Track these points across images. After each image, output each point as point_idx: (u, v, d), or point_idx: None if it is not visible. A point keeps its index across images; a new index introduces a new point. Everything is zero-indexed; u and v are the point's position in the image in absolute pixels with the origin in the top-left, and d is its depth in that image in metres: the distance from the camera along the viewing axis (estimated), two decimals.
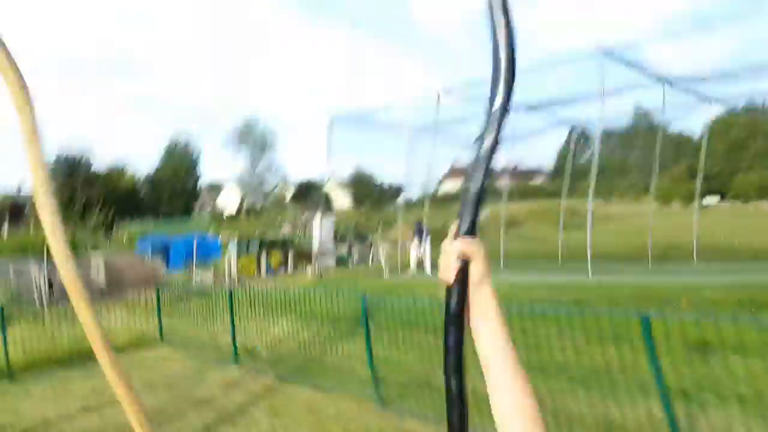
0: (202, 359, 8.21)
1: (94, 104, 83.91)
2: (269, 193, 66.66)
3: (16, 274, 14.55)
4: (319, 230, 19.99)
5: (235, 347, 7.84)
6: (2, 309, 8.04)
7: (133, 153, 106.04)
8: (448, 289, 0.77)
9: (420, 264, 16.53)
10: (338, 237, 21.84)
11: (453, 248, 0.76)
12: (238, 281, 16.21)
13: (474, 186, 0.76)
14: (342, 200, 53.47)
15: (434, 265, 16.66)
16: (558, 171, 43.59)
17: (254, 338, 8.08)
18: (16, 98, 3.18)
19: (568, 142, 44.38)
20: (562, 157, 45.56)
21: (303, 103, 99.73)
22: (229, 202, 70.56)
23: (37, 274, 14.57)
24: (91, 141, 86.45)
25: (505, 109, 0.79)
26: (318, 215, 21.46)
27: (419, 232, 16.65)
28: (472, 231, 0.76)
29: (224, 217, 50.41)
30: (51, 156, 45.89)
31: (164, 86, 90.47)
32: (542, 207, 31.69)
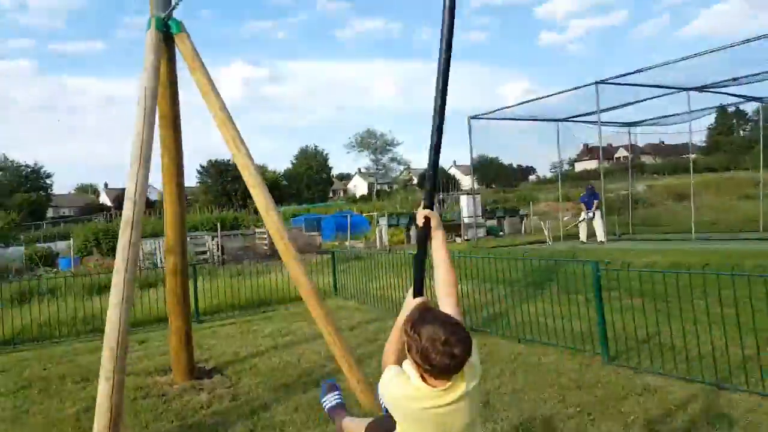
0: (380, 310, 7.84)
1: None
2: (396, 178, 68.91)
3: (191, 244, 15.80)
4: (467, 206, 19.79)
5: None
6: (194, 265, 8.98)
7: (268, 155, 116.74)
8: (419, 229, 1.96)
9: (590, 232, 14.91)
10: (485, 211, 21.23)
11: (422, 212, 1.94)
12: (389, 249, 16.30)
13: (428, 183, 1.98)
14: (466, 182, 53.07)
15: (607, 234, 14.84)
16: (710, 147, 41.28)
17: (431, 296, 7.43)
18: (219, 119, 4.05)
19: (719, 120, 40.38)
20: (714, 132, 41.76)
21: (423, 103, 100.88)
22: (359, 186, 74.12)
23: (210, 243, 15.73)
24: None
25: (440, 122, 1.86)
26: (463, 195, 21.79)
27: (591, 197, 14.65)
28: (431, 206, 1.94)
29: (357, 199, 53.22)
30: (204, 161, 54.20)
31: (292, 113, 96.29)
32: (706, 179, 28.49)
